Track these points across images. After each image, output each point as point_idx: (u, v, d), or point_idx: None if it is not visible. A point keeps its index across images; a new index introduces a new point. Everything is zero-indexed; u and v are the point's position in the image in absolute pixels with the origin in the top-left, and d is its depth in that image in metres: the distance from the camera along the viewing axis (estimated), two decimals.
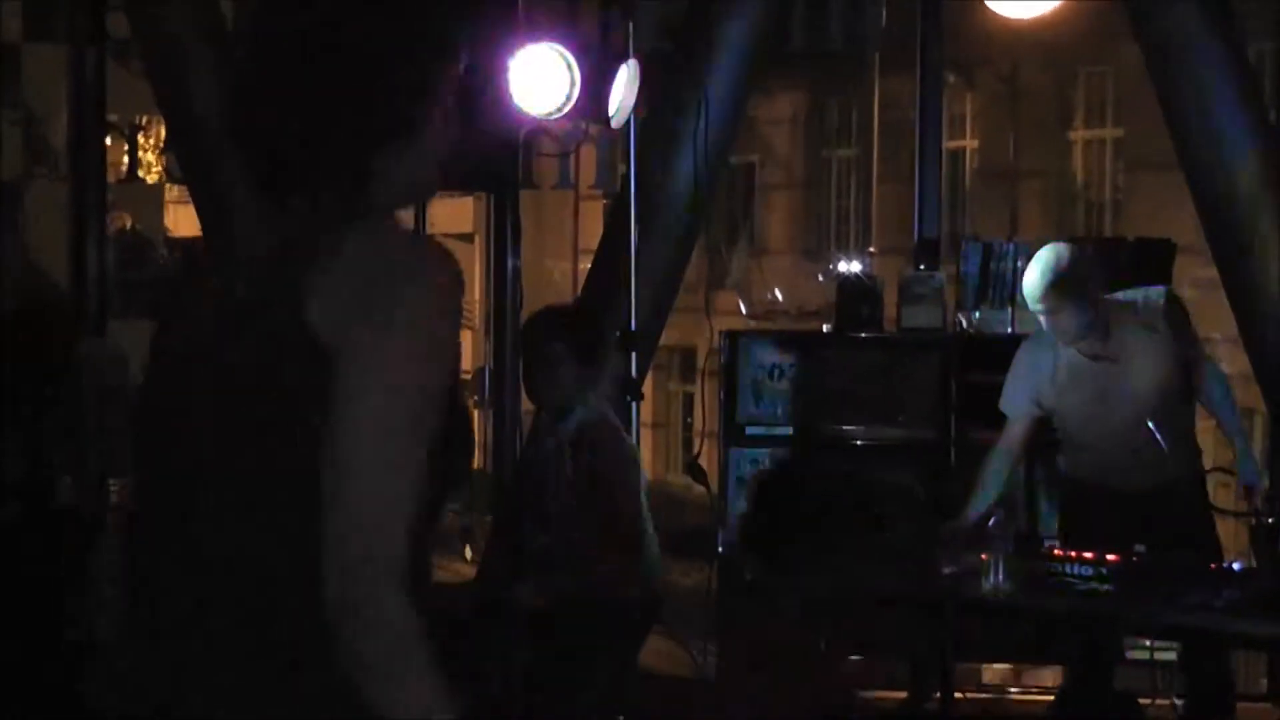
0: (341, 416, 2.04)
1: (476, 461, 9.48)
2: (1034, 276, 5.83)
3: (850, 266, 17.13)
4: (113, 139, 8.54)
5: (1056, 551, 5.46)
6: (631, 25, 6.72)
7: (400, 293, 2.06)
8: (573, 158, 8.59)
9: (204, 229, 7.64)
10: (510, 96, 6.38)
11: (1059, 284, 5.77)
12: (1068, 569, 5.33)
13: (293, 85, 2.16)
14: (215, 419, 2.13)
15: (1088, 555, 5.32)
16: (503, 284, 7.82)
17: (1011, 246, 7.55)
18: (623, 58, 6.55)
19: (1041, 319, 5.91)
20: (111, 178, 8.43)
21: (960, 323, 7.50)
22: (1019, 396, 6.09)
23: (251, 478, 2.10)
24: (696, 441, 7.25)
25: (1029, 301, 5.91)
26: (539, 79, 6.44)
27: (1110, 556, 5.28)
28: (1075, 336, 5.90)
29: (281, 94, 2.16)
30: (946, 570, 5.59)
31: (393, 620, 2.02)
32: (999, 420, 6.16)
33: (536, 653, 5.38)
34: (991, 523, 5.52)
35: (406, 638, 2.03)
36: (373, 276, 2.07)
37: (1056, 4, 8.21)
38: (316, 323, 2.06)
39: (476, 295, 13.58)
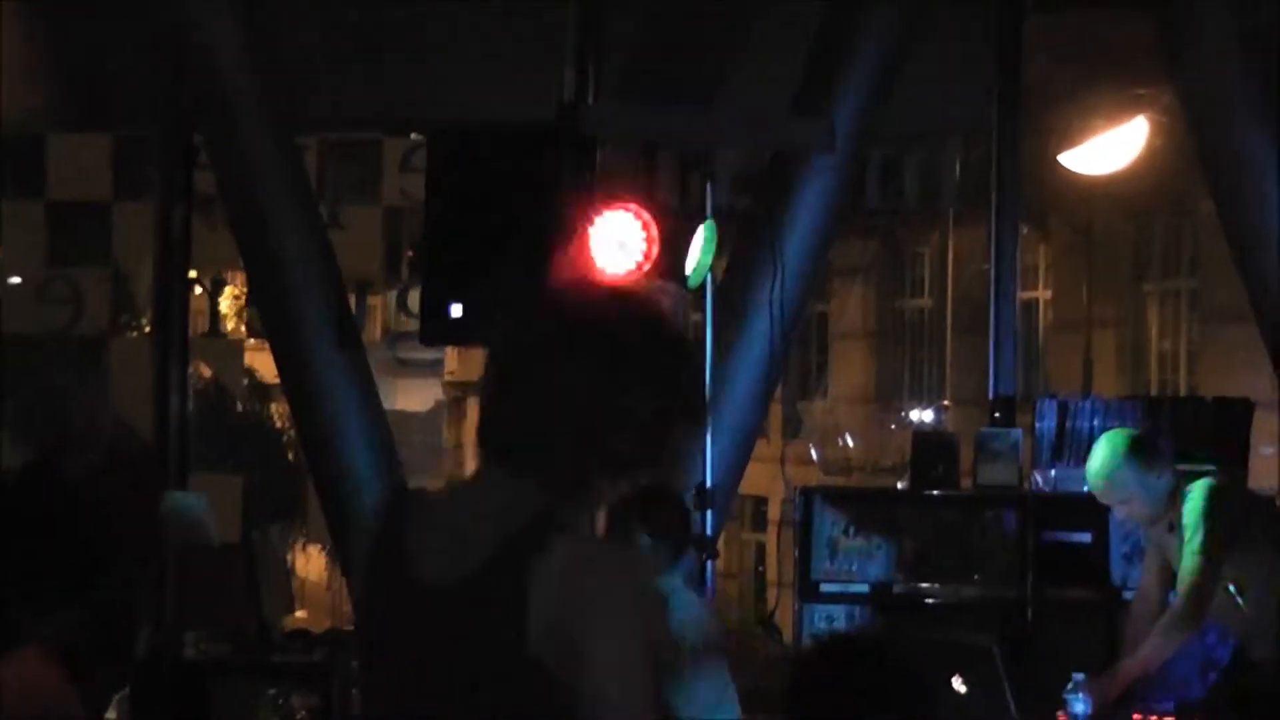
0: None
1: None
2: (1096, 471, 5.72)
3: (923, 417, 17.11)
4: (196, 293, 8.66)
5: (1135, 716, 5.41)
6: (710, 185, 6.78)
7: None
8: None
9: (284, 381, 7.73)
10: (590, 257, 6.44)
11: (1122, 476, 5.67)
12: None
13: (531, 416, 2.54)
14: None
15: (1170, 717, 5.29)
16: None
17: (1088, 404, 7.54)
18: (700, 218, 6.60)
19: (1115, 509, 5.83)
20: (193, 330, 8.54)
21: (1036, 480, 7.47)
22: None
23: None
24: (771, 594, 7.23)
25: (1097, 497, 5.81)
26: (617, 240, 6.49)
27: None
28: (1150, 520, 5.82)
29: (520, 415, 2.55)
30: None
31: None
32: (1078, 579, 6.12)
33: None
34: (1070, 685, 5.47)
35: None
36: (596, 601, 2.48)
37: (1130, 160, 8.27)
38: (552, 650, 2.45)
39: None
